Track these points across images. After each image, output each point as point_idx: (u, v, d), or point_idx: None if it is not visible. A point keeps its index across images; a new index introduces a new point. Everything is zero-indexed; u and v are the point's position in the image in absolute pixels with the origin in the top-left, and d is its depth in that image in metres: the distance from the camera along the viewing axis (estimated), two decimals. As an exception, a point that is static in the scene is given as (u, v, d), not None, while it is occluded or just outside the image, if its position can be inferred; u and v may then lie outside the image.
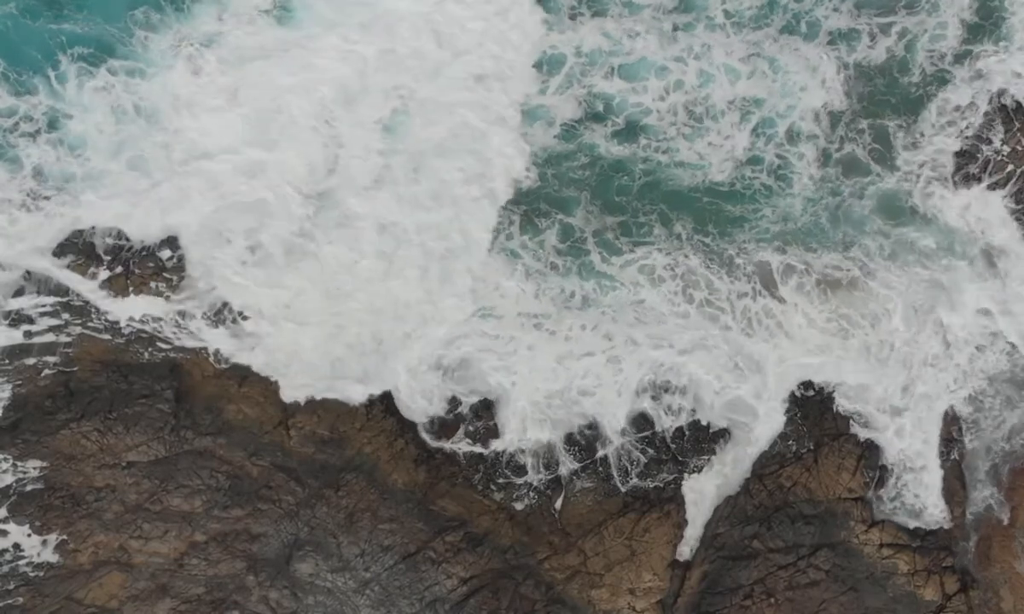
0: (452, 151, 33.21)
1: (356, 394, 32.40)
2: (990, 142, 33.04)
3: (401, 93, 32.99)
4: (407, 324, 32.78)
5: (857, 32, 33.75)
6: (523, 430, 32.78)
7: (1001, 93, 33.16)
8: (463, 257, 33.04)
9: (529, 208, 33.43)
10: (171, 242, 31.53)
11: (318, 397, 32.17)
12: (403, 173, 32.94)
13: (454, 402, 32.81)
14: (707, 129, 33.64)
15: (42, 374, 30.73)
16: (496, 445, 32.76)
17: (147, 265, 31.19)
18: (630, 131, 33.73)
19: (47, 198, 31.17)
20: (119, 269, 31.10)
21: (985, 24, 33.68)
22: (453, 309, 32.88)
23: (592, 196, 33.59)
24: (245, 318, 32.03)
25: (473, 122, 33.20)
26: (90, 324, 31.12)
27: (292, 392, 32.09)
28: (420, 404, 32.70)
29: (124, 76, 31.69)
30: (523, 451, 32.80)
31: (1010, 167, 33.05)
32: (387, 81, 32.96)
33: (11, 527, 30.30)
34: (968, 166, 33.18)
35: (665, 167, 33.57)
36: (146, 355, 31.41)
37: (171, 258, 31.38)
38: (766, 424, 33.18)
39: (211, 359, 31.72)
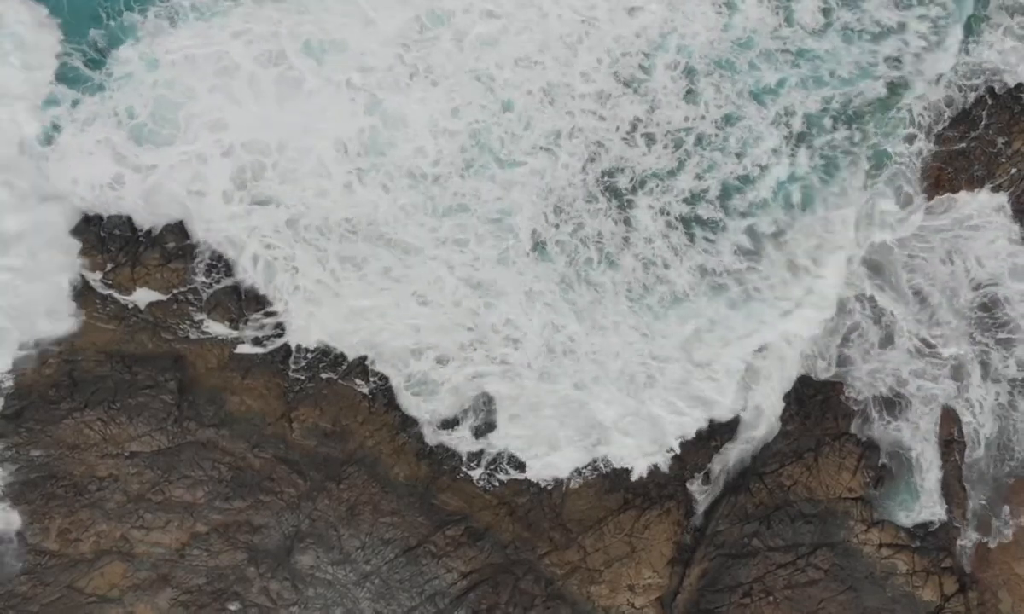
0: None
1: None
2: (994, 144, 32.92)
3: None
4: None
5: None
6: None
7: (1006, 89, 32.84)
8: None
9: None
10: (179, 232, 31.47)
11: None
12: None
13: None
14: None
15: (46, 363, 30.80)
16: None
17: (153, 255, 31.16)
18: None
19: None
20: (124, 259, 31.10)
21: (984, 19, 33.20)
22: None
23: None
24: (266, 310, 31.99)
25: None
26: (95, 314, 31.16)
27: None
28: None
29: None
30: None
31: (1014, 170, 33.00)
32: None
33: (13, 515, 30.36)
34: (972, 168, 33.14)
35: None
36: (150, 345, 31.44)
37: (178, 249, 31.38)
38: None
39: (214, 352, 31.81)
